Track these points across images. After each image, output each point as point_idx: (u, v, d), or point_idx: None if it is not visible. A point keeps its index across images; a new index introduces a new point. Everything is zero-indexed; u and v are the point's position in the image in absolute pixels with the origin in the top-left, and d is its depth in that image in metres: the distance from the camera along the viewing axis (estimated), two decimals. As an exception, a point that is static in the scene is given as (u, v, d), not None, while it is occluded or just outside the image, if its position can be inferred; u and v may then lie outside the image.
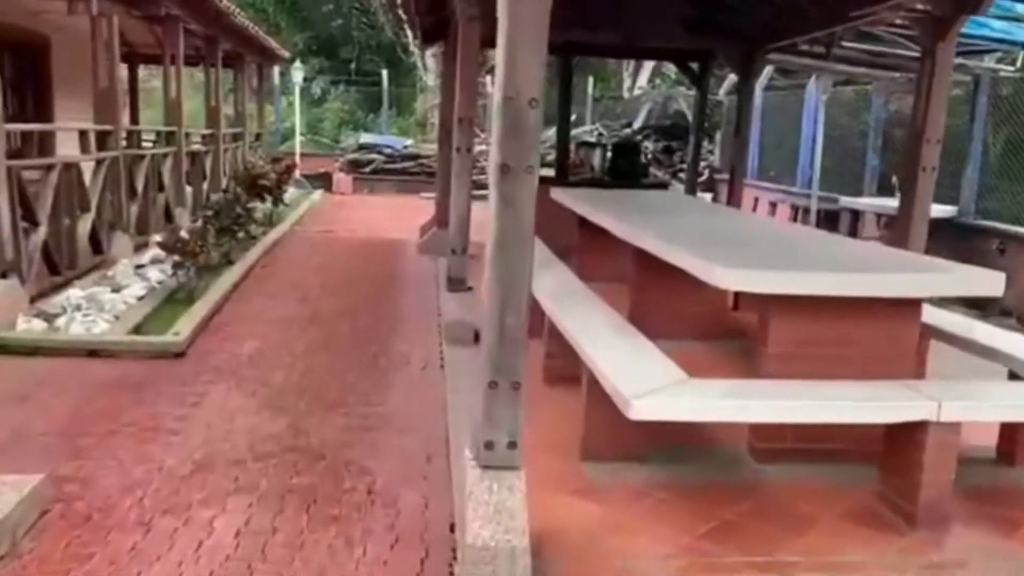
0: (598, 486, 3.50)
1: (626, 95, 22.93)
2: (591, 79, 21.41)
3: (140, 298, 6.96)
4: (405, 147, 19.33)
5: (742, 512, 3.33)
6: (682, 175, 15.43)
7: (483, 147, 14.87)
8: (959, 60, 7.76)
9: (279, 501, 3.56)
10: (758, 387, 3.46)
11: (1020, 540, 3.22)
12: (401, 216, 13.88)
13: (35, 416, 4.44)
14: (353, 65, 25.78)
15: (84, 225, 7.73)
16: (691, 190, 10.96)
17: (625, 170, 11.15)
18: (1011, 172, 8.71)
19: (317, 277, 8.76)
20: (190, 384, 5.09)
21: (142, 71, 16.27)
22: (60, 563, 3.05)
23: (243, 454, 4.04)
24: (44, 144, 8.48)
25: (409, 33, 14.15)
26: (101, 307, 6.44)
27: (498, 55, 2.73)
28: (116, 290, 6.99)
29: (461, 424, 4.04)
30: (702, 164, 13.83)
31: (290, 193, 14.47)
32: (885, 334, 3.72)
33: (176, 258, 7.31)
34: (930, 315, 4.22)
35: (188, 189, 11.53)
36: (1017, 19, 8.16)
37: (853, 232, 10.12)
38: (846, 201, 10.58)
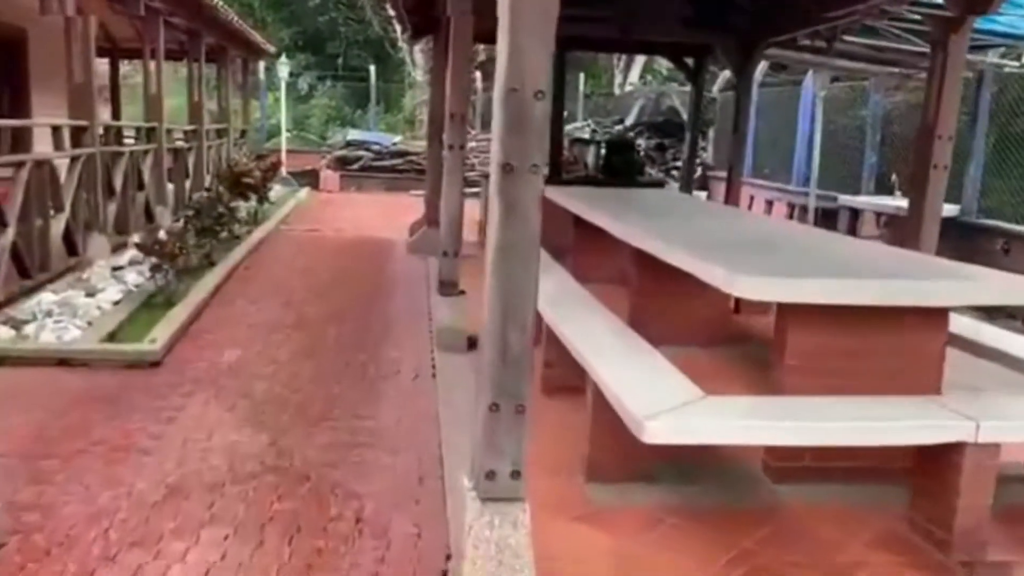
0: (605, 511, 3.26)
1: (617, 91, 22.72)
2: (582, 75, 21.18)
3: (116, 303, 6.63)
4: (393, 144, 19.02)
5: (761, 539, 3.09)
6: (675, 172, 15.23)
7: (472, 144, 14.66)
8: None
9: (258, 531, 3.25)
10: (780, 406, 3.20)
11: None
12: (390, 214, 13.57)
13: (-5, 434, 4.11)
14: (340, 60, 25.49)
15: (58, 225, 7.38)
16: (686, 188, 10.76)
17: (620, 168, 10.95)
18: (1012, 171, 8.52)
19: (303, 279, 8.45)
20: (166, 397, 4.78)
21: (125, 66, 15.88)
22: (13, 606, 2.76)
23: (221, 476, 3.73)
24: (19, 141, 8.11)
25: (397, 28, 13.89)
26: (74, 312, 6.11)
27: (500, 42, 2.43)
28: (91, 294, 6.65)
29: (455, 441, 3.79)
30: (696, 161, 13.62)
31: (276, 191, 14.17)
32: (910, 345, 3.47)
33: (154, 260, 6.99)
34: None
35: (170, 187, 11.24)
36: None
37: (852, 231, 9.96)
38: (845, 199, 10.41)
